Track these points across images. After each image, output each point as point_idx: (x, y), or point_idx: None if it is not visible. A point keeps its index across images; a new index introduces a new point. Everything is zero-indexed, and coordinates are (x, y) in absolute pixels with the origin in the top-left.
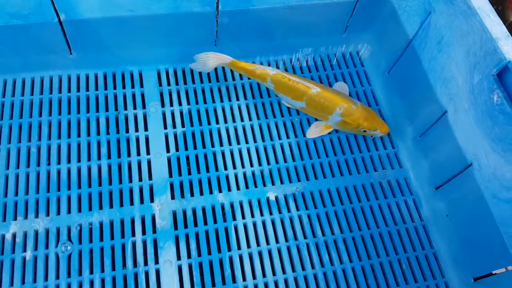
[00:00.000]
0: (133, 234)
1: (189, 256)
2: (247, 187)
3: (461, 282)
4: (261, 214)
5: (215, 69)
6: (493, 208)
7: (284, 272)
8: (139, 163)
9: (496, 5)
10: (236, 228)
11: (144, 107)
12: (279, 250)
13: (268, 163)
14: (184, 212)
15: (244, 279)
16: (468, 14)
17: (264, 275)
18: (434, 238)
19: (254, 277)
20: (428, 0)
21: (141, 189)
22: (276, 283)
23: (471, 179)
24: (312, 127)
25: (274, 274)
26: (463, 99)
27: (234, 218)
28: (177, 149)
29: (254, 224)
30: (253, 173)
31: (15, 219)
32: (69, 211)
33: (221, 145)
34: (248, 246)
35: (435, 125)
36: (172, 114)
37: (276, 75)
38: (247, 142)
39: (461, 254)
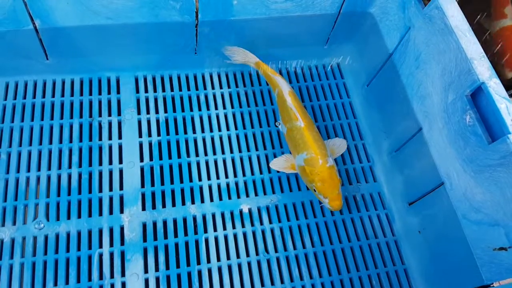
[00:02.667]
0: (101, 246)
1: (156, 269)
2: (220, 198)
3: None
4: (233, 227)
5: (195, 77)
6: (464, 228)
7: (253, 286)
8: (111, 172)
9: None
10: (207, 241)
11: (119, 114)
12: (249, 264)
13: (244, 175)
14: (155, 224)
15: None
16: (445, 32)
17: None
18: (405, 254)
19: None
20: (408, 16)
21: (111, 199)
22: None
23: (444, 197)
24: (281, 157)
25: None
26: (437, 117)
27: (205, 231)
28: (151, 159)
29: (226, 237)
30: (227, 185)
31: None
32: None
33: (197, 155)
34: (218, 259)
35: (410, 141)
36: (148, 122)
37: (280, 90)
38: (223, 153)
39: (432, 272)
